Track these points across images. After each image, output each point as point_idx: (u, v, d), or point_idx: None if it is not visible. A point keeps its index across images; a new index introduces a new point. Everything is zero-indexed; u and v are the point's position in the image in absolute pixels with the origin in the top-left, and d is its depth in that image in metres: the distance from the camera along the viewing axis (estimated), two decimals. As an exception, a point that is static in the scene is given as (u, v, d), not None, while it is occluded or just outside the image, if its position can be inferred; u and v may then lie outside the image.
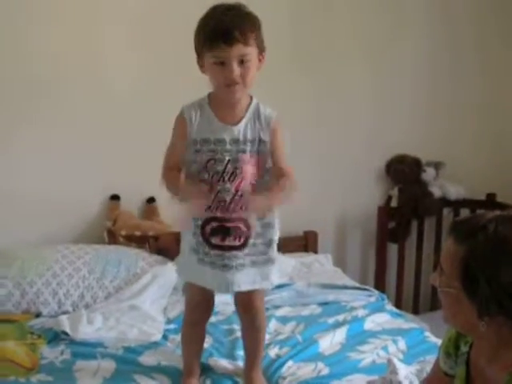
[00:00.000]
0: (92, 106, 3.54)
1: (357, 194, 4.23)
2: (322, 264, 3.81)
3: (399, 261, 4.27)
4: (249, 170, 2.29)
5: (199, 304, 2.50)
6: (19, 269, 3.12)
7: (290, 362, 2.65)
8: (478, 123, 4.47)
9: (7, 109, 3.42)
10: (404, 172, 4.20)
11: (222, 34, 2.12)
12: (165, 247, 3.41)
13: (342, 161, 4.17)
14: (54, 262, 3.15)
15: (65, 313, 3.03)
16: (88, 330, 2.83)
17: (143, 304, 3.06)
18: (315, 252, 4.03)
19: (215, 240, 2.30)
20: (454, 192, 4.27)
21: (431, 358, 2.30)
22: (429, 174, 4.24)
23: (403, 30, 4.19)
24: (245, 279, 2.35)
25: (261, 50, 2.23)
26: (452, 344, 1.96)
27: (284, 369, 2.60)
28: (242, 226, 2.30)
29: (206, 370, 2.60)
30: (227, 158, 2.26)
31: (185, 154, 2.30)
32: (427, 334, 2.93)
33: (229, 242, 2.30)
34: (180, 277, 2.58)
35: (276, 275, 2.43)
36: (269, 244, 2.38)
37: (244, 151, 2.28)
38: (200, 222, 2.29)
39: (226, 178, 2.26)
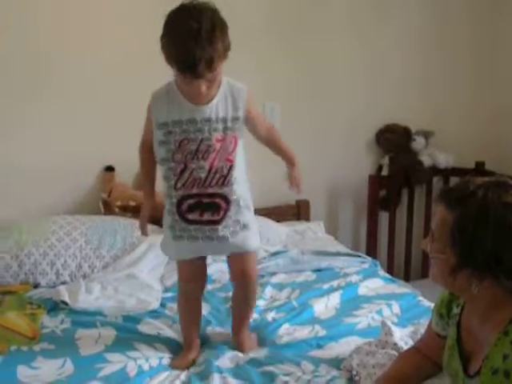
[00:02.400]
0: (85, 77, 3.54)
1: (348, 163, 4.27)
2: (314, 232, 3.86)
3: (390, 229, 4.32)
4: (222, 146, 2.34)
5: (190, 278, 2.54)
6: (16, 240, 3.14)
7: (286, 325, 2.70)
8: (468, 93, 4.50)
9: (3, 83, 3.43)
10: (394, 141, 4.24)
11: (190, 68, 2.16)
12: (160, 216, 3.43)
13: (333, 130, 4.20)
14: (51, 233, 3.18)
15: (63, 283, 3.07)
16: (87, 299, 2.87)
17: (140, 273, 3.10)
18: (307, 220, 4.07)
19: (192, 216, 2.37)
20: (444, 160, 4.31)
21: (425, 321, 2.33)
22: (419, 142, 4.27)
23: (394, 1, 4.21)
24: (227, 246, 2.44)
25: (226, 51, 2.25)
26: (445, 305, 2.01)
27: (281, 330, 2.66)
28: (219, 201, 2.37)
29: (205, 340, 2.63)
30: (200, 137, 2.31)
31: (154, 138, 2.39)
32: (420, 298, 2.98)
33: (207, 216, 2.37)
34: (165, 254, 2.62)
35: (254, 239, 2.50)
36: (240, 212, 2.43)
37: (216, 129, 2.32)
38: (175, 200, 2.38)
39: (200, 156, 2.32)
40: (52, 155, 3.54)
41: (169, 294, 2.99)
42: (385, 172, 4.27)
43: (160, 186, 2.48)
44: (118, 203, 3.51)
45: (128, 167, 3.64)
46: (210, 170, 2.33)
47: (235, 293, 2.64)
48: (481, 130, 4.52)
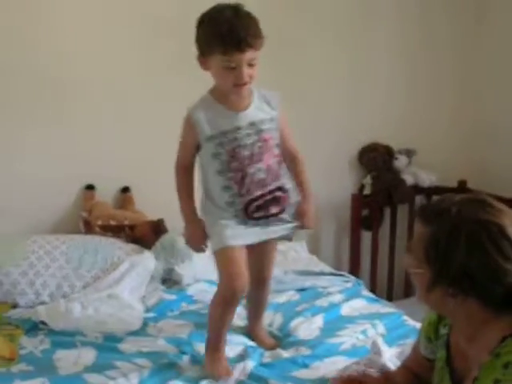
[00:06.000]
0: (67, 96, 3.52)
1: (330, 182, 4.25)
2: (297, 252, 3.84)
3: (373, 248, 4.30)
4: (270, 145, 2.46)
5: (243, 272, 2.45)
6: (-6, 260, 3.09)
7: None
8: (450, 111, 4.51)
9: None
10: (376, 160, 4.23)
11: (236, 41, 2.24)
12: (141, 236, 3.43)
13: (315, 149, 4.17)
14: (31, 253, 3.13)
15: (42, 303, 3.01)
16: (67, 319, 2.82)
17: (122, 293, 3.04)
18: (290, 240, 4.03)
19: (258, 214, 2.47)
20: (426, 179, 4.31)
21: (411, 341, 2.31)
22: (401, 161, 4.28)
23: (374, 16, 4.22)
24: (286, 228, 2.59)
25: (263, 40, 2.35)
26: (432, 328, 1.99)
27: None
28: (279, 193, 2.50)
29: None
30: (250, 142, 2.41)
31: (204, 153, 2.43)
32: (405, 317, 2.95)
33: (272, 210, 2.49)
34: (218, 246, 2.48)
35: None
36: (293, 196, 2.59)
37: (262, 131, 2.44)
38: (240, 207, 2.44)
39: (256, 159, 2.42)
40: (31, 173, 3.50)
41: (151, 314, 2.97)
42: (367, 191, 4.26)
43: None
44: (99, 222, 3.46)
45: (108, 186, 3.64)
46: (267, 170, 2.45)
47: (258, 282, 2.67)
48: (463, 149, 4.52)
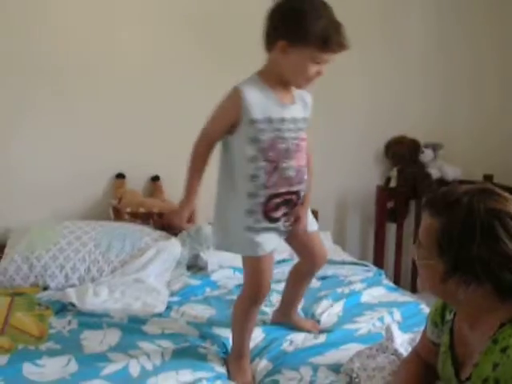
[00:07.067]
0: (97, 85, 3.62)
1: (357, 175, 4.31)
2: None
3: (398, 240, 4.35)
4: (304, 146, 2.45)
5: (270, 276, 2.49)
6: (27, 244, 3.22)
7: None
8: (474, 105, 4.52)
9: (16, 85, 3.51)
10: (402, 153, 4.27)
11: (338, 44, 2.26)
12: (168, 224, 3.50)
13: (342, 142, 4.24)
14: (61, 237, 3.25)
15: (71, 286, 3.12)
16: (94, 301, 2.91)
17: (148, 278, 3.14)
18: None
19: (276, 214, 2.41)
20: (452, 173, 4.34)
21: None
22: (427, 155, 4.31)
23: (398, 12, 4.26)
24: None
25: None
26: (438, 313, 2.03)
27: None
28: (294, 197, 2.44)
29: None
30: (289, 136, 2.37)
31: (239, 135, 2.32)
32: (423, 306, 2.99)
33: (285, 210, 2.44)
34: (242, 253, 2.48)
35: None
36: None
37: (301, 129, 2.42)
38: (262, 200, 2.35)
39: (291, 156, 2.38)
40: (64, 162, 3.62)
41: (175, 298, 3.05)
42: (393, 184, 4.31)
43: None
44: (128, 210, 3.56)
45: (138, 174, 3.72)
46: (297, 170, 2.40)
47: (306, 270, 2.72)
48: (490, 143, 4.54)
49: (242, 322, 2.51)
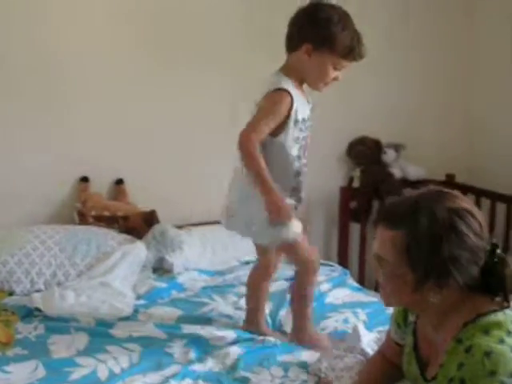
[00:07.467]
0: (58, 88, 3.58)
1: (319, 175, 4.29)
2: (286, 242, 3.89)
3: (361, 240, 4.38)
4: (309, 142, 2.58)
5: (314, 253, 2.73)
6: (-9, 250, 3.18)
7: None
8: (438, 105, 4.57)
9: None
10: (365, 154, 4.31)
11: (360, 55, 2.48)
12: (133, 227, 3.51)
13: (305, 143, 4.25)
14: (27, 242, 3.22)
15: (37, 291, 3.09)
16: (61, 305, 2.90)
17: (114, 281, 3.13)
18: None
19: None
20: (414, 173, 4.39)
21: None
22: (389, 155, 4.35)
23: (365, 10, 4.26)
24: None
25: None
26: (401, 315, 2.06)
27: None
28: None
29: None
30: (307, 135, 2.55)
31: (286, 135, 2.45)
32: (386, 305, 3.03)
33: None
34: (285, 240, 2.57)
35: None
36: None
37: (310, 126, 2.57)
38: (299, 194, 2.60)
39: (306, 154, 2.57)
40: (27, 166, 3.57)
41: (141, 302, 3.05)
42: (356, 184, 4.35)
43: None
44: (93, 213, 3.55)
45: (102, 178, 3.70)
46: (305, 166, 2.60)
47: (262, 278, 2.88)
48: (451, 143, 4.60)
49: (311, 294, 2.71)
